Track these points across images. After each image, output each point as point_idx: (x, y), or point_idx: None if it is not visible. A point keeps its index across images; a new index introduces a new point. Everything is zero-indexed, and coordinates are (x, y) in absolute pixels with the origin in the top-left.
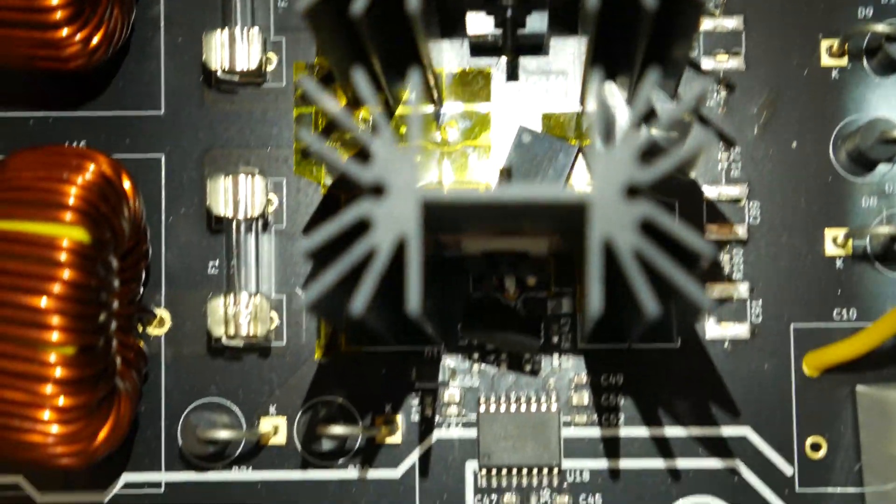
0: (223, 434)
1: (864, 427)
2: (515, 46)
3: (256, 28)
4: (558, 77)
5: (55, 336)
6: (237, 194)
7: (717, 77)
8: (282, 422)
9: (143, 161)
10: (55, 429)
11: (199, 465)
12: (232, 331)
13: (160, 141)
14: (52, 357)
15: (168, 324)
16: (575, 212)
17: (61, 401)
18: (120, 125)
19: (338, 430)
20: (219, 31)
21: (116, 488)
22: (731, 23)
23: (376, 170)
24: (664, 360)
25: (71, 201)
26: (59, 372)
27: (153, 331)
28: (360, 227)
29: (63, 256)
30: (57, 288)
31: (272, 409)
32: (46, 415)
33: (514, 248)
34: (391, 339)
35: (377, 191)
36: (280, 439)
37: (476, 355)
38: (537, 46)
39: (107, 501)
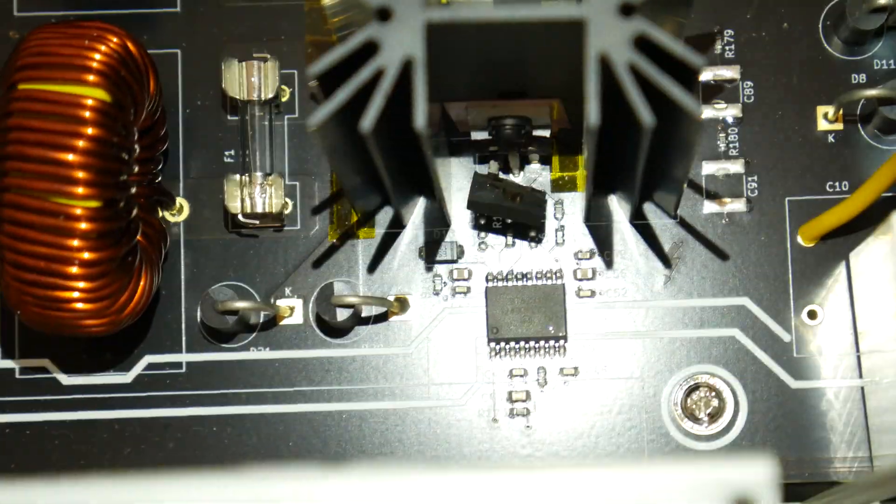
0: (241, 304)
1: (859, 292)
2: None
3: None
4: None
5: (80, 189)
6: (251, 77)
7: None
8: (298, 303)
9: (160, 56)
10: (81, 284)
11: (219, 341)
12: (248, 207)
13: (177, 37)
14: (78, 210)
15: (186, 211)
16: (572, 39)
17: (86, 255)
18: (137, 21)
19: (351, 299)
20: None
21: (139, 369)
22: None
23: None
24: (664, 235)
25: (94, 64)
26: (84, 225)
27: (172, 218)
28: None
29: (87, 114)
30: (81, 143)
31: (288, 290)
32: (74, 269)
33: (519, 114)
34: (394, 196)
35: (383, 16)
36: (296, 319)
37: (483, 234)
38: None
39: (131, 382)
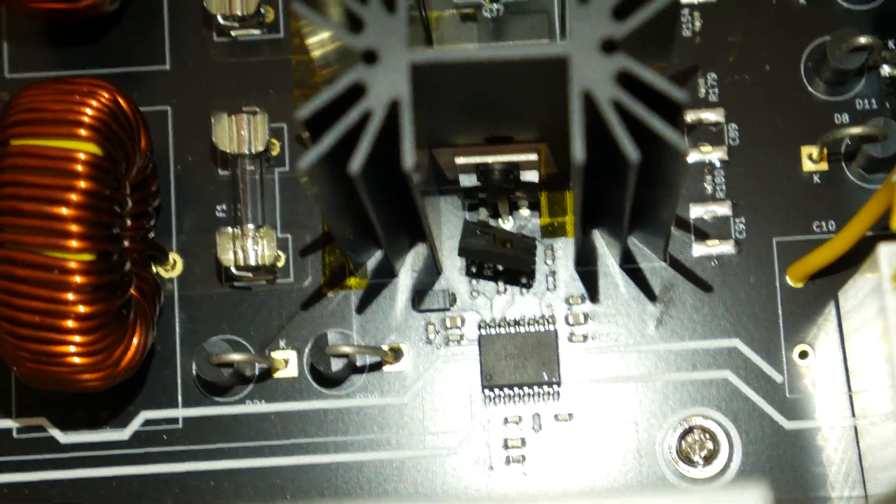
0: (236, 357)
1: (848, 330)
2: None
3: None
4: None
5: (74, 242)
6: (241, 130)
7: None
8: (292, 355)
9: (150, 113)
10: (77, 338)
11: (214, 395)
12: (241, 259)
13: (166, 94)
14: (72, 264)
15: (179, 267)
16: (556, 78)
17: (82, 308)
18: (127, 79)
19: (345, 349)
20: None
21: (136, 425)
22: None
23: (367, 37)
24: (654, 279)
25: (85, 119)
26: (78, 278)
27: (166, 273)
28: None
29: (79, 168)
30: (75, 197)
31: (282, 343)
32: (69, 323)
33: (506, 160)
34: (385, 243)
35: (369, 58)
36: (291, 372)
37: (474, 281)
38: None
39: (128, 438)
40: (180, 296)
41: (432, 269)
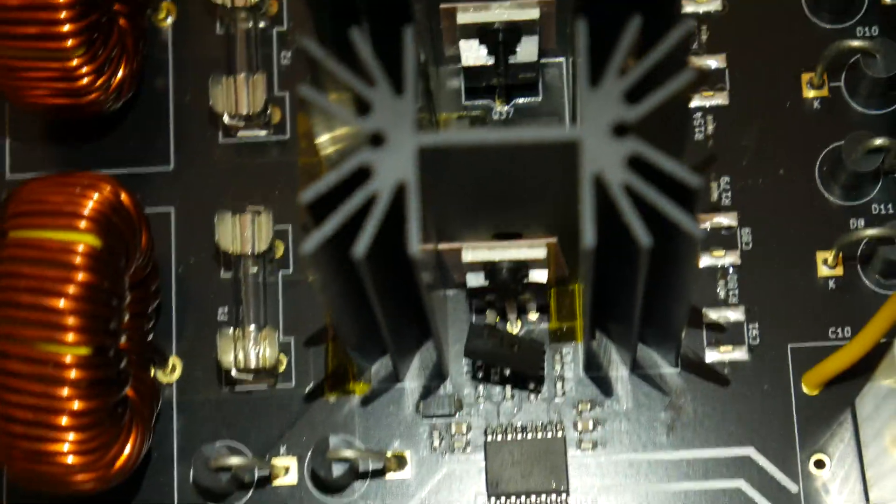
0: (235, 461)
1: (865, 438)
2: (509, 85)
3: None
4: None
5: (70, 336)
6: (244, 231)
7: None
8: (292, 462)
9: (153, 215)
10: (71, 436)
11: (211, 502)
12: (241, 362)
13: (169, 195)
14: (68, 358)
15: (179, 371)
16: (567, 164)
17: (76, 404)
18: (130, 180)
19: (347, 453)
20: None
21: None
22: (714, 62)
23: (374, 119)
24: (665, 385)
25: (85, 211)
26: (73, 374)
27: (165, 378)
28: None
29: (77, 259)
30: (72, 289)
31: (283, 449)
32: (63, 420)
33: (515, 258)
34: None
35: (376, 141)
36: (291, 479)
37: (481, 388)
38: (531, 85)
39: None
40: (179, 401)
41: (438, 374)
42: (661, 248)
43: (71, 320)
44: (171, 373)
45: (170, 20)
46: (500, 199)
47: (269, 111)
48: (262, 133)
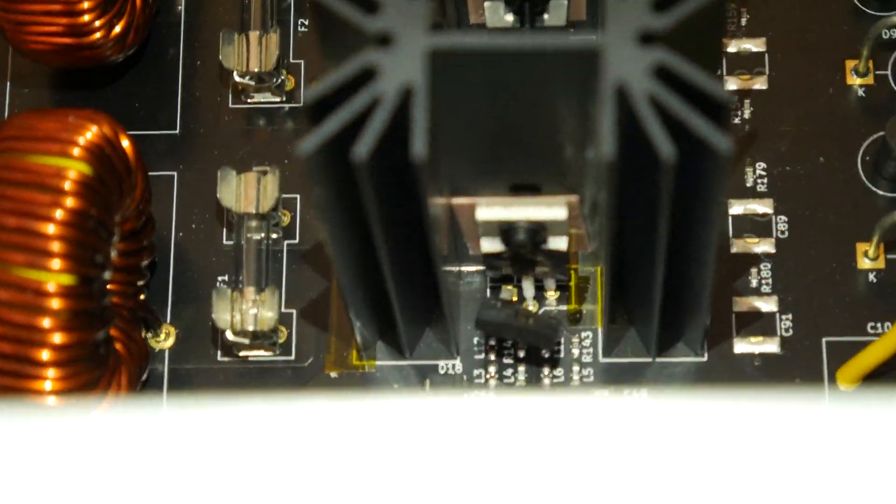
0: None
1: None
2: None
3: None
4: None
5: (56, 263)
6: (249, 189)
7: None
8: None
9: (156, 177)
10: (52, 372)
11: None
12: (238, 322)
13: (174, 159)
14: (51, 286)
15: (172, 339)
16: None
17: (58, 337)
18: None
19: None
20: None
21: None
22: (754, 46)
23: (383, 19)
24: (691, 375)
25: (79, 139)
26: (56, 303)
27: (157, 345)
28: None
29: (67, 185)
30: (60, 214)
31: None
32: (45, 354)
33: (533, 217)
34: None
35: (383, 42)
36: None
37: (492, 370)
38: None
39: None
40: (170, 369)
41: (447, 351)
42: (687, 177)
43: (56, 246)
44: (165, 340)
45: None
46: (518, 133)
47: (283, 76)
48: (276, 99)
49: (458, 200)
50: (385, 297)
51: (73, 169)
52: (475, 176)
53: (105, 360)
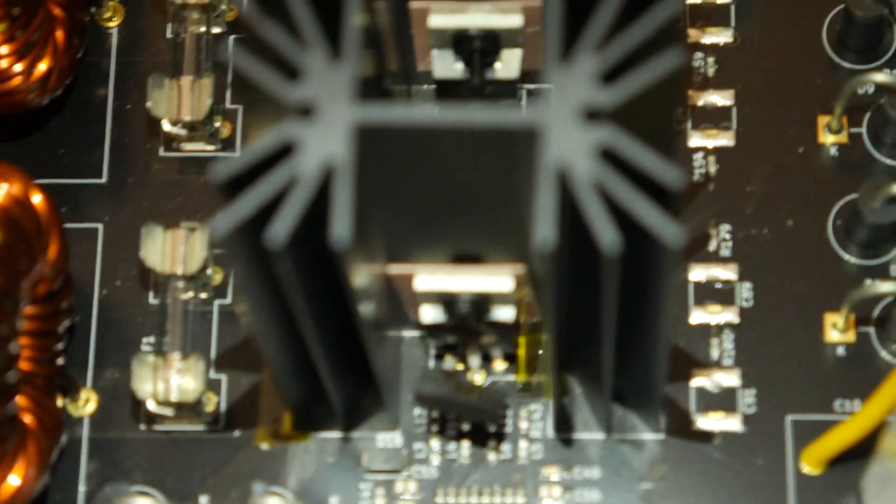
0: (142, 503)
1: None
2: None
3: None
4: None
5: None
6: (176, 249)
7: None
8: None
9: (79, 230)
10: None
11: None
12: (160, 392)
13: (99, 210)
14: None
15: (93, 405)
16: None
17: None
18: (57, 190)
19: (272, 501)
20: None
21: None
22: (721, 99)
23: (305, 88)
24: (647, 454)
25: None
26: None
27: (76, 411)
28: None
29: None
30: None
31: (203, 499)
32: None
33: (477, 289)
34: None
35: (306, 113)
36: None
37: (434, 444)
38: (510, 92)
39: None
40: (91, 438)
41: (387, 424)
42: (634, 263)
43: None
44: (84, 406)
45: (115, 21)
46: (456, 204)
47: (217, 124)
48: (210, 147)
49: (396, 269)
50: (314, 369)
51: None
52: (413, 244)
53: (5, 439)
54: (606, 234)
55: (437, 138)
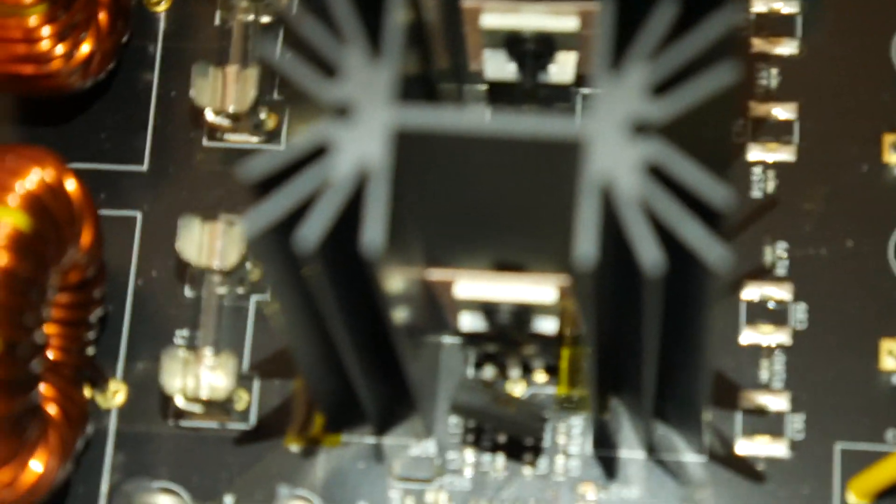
0: (163, 502)
1: None
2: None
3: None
4: None
5: None
6: (213, 242)
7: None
8: None
9: (117, 218)
10: None
11: None
12: (190, 388)
13: (139, 198)
14: None
15: (122, 396)
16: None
17: None
18: (96, 176)
19: None
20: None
21: None
22: (783, 112)
23: (343, 87)
24: (688, 476)
25: (16, 185)
26: None
27: (104, 403)
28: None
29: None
30: None
31: (228, 499)
32: None
33: (518, 299)
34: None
35: (343, 113)
36: None
37: (468, 456)
38: (564, 96)
39: None
40: (118, 431)
41: (421, 432)
42: (678, 283)
43: None
44: (113, 398)
45: (163, 6)
46: (497, 213)
47: (263, 115)
48: (254, 139)
49: (435, 275)
50: (346, 372)
51: (4, 221)
52: (453, 250)
53: (27, 430)
54: (649, 254)
55: (478, 145)
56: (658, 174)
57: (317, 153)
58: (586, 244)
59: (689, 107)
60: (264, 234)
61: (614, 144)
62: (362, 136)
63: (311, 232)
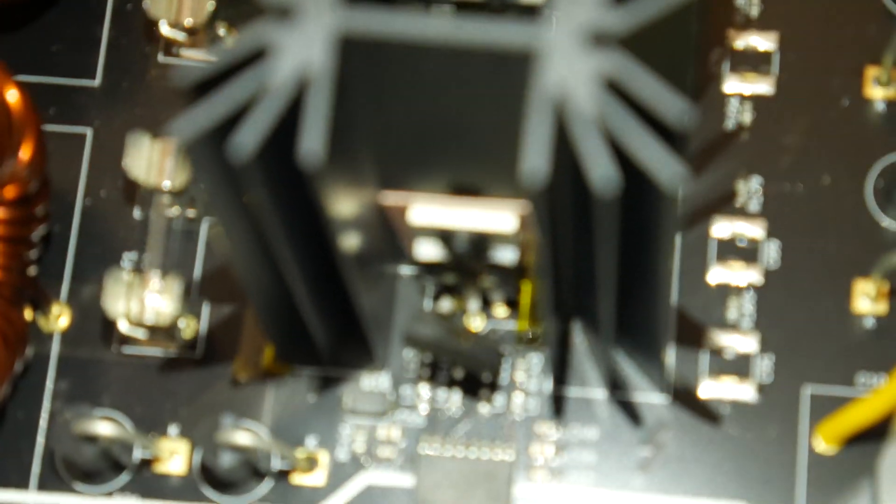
0: (105, 430)
1: None
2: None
3: None
4: None
5: None
6: (163, 160)
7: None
8: (183, 447)
9: (65, 134)
10: None
11: (78, 480)
12: (134, 313)
13: (89, 114)
14: None
15: (66, 320)
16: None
17: None
18: (45, 90)
19: (242, 439)
20: None
21: None
22: (763, 41)
23: None
24: (650, 417)
25: None
26: None
27: (47, 326)
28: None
29: None
30: None
31: (173, 430)
32: None
33: (477, 227)
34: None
35: (284, 14)
36: (177, 467)
37: (424, 388)
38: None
39: None
40: (60, 356)
41: (374, 364)
42: (636, 206)
43: None
44: (56, 321)
45: None
46: (453, 129)
47: (221, 31)
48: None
49: (389, 199)
50: (295, 301)
51: None
52: (407, 170)
53: None
54: (601, 171)
55: (428, 54)
56: (615, 88)
57: (255, 57)
58: (536, 159)
59: (651, 17)
60: (197, 143)
61: (570, 55)
62: (304, 40)
63: (247, 139)
